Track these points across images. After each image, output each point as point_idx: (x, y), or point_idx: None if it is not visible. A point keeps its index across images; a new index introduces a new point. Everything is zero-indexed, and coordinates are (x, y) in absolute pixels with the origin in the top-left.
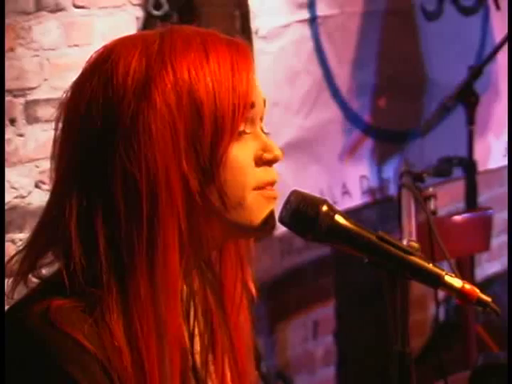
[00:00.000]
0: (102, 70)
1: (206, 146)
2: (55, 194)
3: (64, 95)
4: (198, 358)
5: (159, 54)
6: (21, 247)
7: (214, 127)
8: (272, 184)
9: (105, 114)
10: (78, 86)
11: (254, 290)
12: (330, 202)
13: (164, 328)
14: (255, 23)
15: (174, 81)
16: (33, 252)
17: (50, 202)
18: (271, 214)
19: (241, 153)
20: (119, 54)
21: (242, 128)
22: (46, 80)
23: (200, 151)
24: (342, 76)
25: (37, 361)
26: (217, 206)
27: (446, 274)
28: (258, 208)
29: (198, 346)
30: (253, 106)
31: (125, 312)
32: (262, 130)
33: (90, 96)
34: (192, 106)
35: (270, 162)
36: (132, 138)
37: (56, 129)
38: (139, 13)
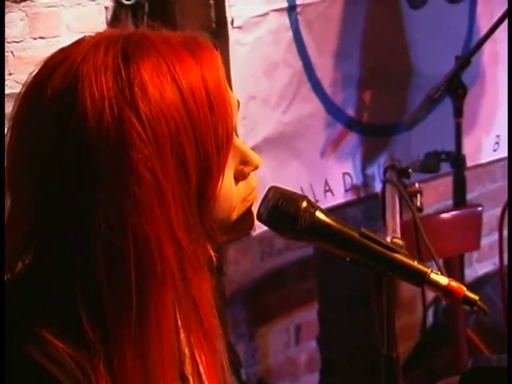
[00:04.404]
0: (65, 105)
1: (194, 200)
2: (15, 216)
3: (22, 93)
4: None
5: (132, 100)
6: None
7: (200, 177)
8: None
9: (73, 161)
10: (36, 104)
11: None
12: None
13: None
14: (231, 12)
15: (154, 141)
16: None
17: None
18: (251, 216)
19: (224, 181)
20: (85, 92)
21: None
22: (10, 74)
23: (188, 208)
24: (324, 68)
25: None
26: (206, 241)
27: (432, 272)
28: (241, 218)
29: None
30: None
31: (112, 378)
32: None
33: (52, 130)
34: (177, 164)
35: (250, 173)
36: (113, 203)
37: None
38: (108, 2)
